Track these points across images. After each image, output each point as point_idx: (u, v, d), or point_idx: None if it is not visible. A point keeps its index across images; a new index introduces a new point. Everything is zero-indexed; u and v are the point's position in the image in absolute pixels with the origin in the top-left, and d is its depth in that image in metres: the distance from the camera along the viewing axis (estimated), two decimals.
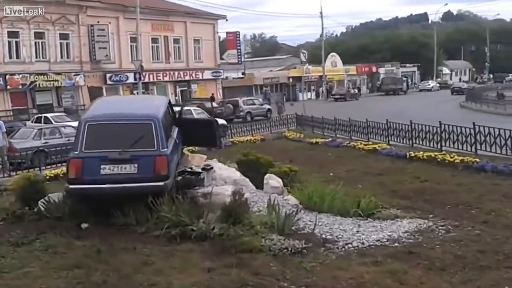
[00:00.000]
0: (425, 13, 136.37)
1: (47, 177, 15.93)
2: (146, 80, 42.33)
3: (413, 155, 15.18)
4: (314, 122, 26.03)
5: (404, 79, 73.29)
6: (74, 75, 39.65)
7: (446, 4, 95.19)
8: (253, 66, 64.96)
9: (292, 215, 8.10)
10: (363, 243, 7.37)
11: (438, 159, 14.21)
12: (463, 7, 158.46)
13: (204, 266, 6.92)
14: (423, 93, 70.06)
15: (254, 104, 41.80)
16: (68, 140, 20.83)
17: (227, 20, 52.71)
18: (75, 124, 25.50)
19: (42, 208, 10.35)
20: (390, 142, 18.66)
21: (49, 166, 18.22)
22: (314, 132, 25.19)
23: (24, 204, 10.56)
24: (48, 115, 31.01)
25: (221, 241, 7.77)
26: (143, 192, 9.06)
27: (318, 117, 25.59)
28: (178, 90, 48.42)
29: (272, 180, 10.04)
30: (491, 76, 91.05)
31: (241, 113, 39.07)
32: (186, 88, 48.73)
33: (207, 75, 50.47)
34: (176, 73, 47.60)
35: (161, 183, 8.97)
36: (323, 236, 7.79)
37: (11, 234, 8.89)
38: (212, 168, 10.29)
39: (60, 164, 17.78)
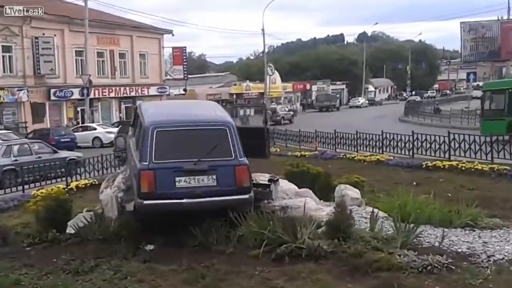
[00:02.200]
0: (342, 34, 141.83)
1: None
2: (91, 96, 40.03)
3: (430, 164, 14.65)
4: (288, 135, 25.25)
5: (337, 96, 74.49)
6: (17, 90, 36.84)
7: (376, 23, 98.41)
8: (192, 83, 63.45)
9: (413, 229, 7.20)
10: (506, 255, 6.61)
11: (463, 168, 13.77)
12: (376, 28, 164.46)
13: None
14: (353, 109, 71.44)
15: (285, 110, 51.57)
16: (39, 157, 19.00)
17: (173, 35, 51.35)
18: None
19: (74, 230, 9.10)
20: (384, 153, 18.12)
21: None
22: (288, 146, 24.37)
23: (51, 227, 9.08)
24: None
25: (342, 259, 6.77)
26: (226, 207, 7.99)
27: (294, 130, 24.87)
28: (123, 106, 46.28)
29: (351, 191, 9.13)
30: (413, 93, 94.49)
31: (278, 118, 45.58)
32: (131, 104, 46.63)
33: (153, 91, 48.67)
34: (122, 89, 45.53)
35: (246, 196, 7.91)
36: (452, 249, 6.96)
37: (59, 261, 7.61)
38: (278, 180, 9.21)
39: (44, 183, 15.97)
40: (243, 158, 8.09)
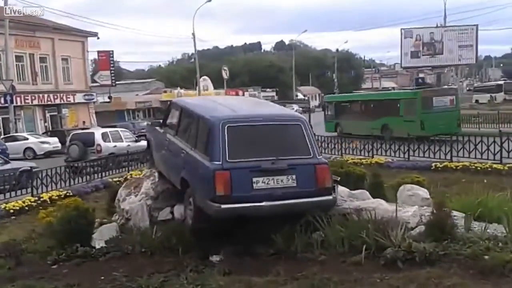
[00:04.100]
0: (259, 42, 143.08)
1: (12, 211, 13.04)
2: None
3: (439, 166, 14.68)
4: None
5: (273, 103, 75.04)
6: None
7: (305, 31, 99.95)
8: (116, 90, 61.50)
9: None
10: None
11: (479, 168, 13.87)
12: (294, 37, 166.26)
13: None
14: None
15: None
16: None
17: (98, 38, 49.37)
18: None
19: (104, 243, 8.29)
20: (375, 156, 18.09)
21: None
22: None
23: (73, 240, 8.24)
24: None
25: (461, 262, 6.40)
26: (307, 210, 7.47)
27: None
28: (48, 115, 43.94)
29: (421, 191, 8.77)
30: None
31: None
32: (56, 113, 44.45)
33: (79, 98, 46.55)
34: (46, 96, 43.13)
35: (329, 197, 7.41)
36: None
37: (118, 277, 6.98)
38: (339, 180, 8.73)
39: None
40: (321, 156, 7.68)
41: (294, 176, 7.24)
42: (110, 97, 56.92)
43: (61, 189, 15.12)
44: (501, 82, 72.07)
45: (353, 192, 9.17)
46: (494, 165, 13.97)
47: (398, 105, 27.29)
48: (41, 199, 13.87)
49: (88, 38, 49.42)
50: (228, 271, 6.82)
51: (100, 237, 8.60)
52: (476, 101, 64.50)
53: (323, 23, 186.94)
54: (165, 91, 62.55)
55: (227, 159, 7.08)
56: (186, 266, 7.10)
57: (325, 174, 7.47)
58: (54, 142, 32.06)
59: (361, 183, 9.89)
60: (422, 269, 6.30)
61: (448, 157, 15.99)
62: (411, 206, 8.07)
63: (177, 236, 7.82)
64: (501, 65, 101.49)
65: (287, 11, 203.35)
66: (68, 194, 14.50)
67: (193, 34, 56.70)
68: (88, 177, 16.94)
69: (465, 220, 7.47)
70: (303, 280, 6.26)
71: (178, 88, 62.58)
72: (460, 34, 46.59)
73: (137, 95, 63.39)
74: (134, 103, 58.04)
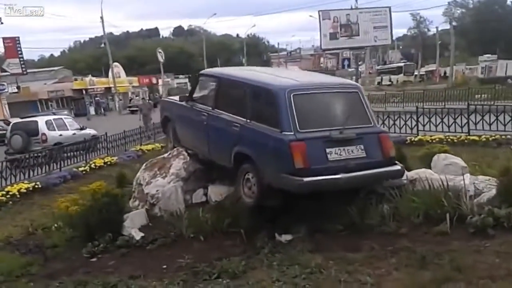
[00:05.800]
0: (156, 28, 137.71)
1: None
2: None
3: (414, 139, 14.88)
4: None
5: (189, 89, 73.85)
6: None
7: (215, 14, 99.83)
8: (22, 80, 57.76)
9: None
10: None
11: (455, 140, 14.18)
12: (192, 23, 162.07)
13: None
14: None
15: None
16: None
17: (2, 23, 45.73)
18: None
19: (135, 232, 7.70)
20: None
21: None
22: None
23: (101, 229, 7.54)
24: None
25: None
26: (378, 181, 7.22)
27: None
28: None
29: (457, 160, 8.70)
30: None
31: None
32: None
33: None
34: None
35: (398, 168, 7.22)
36: None
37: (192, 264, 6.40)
38: None
39: None
40: (379, 126, 7.40)
41: (362, 146, 6.96)
42: (18, 87, 53.39)
43: (25, 181, 13.75)
44: (402, 64, 75.54)
45: None
46: (470, 137, 14.27)
47: None
48: (10, 193, 12.50)
49: None
50: (310, 249, 6.37)
51: (132, 225, 7.83)
52: (378, 83, 67.10)
53: (222, 8, 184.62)
54: (75, 79, 59.75)
55: (298, 129, 6.63)
56: (262, 247, 6.57)
57: (389, 143, 7.27)
58: None
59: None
60: None
61: (415, 131, 16.23)
62: (463, 175, 7.93)
63: (233, 217, 7.24)
64: (400, 47, 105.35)
65: None
66: (36, 186, 13.25)
67: (102, 17, 54.39)
68: (47, 167, 15.53)
69: None
70: (408, 253, 5.92)
71: (90, 75, 60.08)
72: (374, 16, 47.54)
73: (45, 84, 59.88)
74: (46, 93, 54.95)
